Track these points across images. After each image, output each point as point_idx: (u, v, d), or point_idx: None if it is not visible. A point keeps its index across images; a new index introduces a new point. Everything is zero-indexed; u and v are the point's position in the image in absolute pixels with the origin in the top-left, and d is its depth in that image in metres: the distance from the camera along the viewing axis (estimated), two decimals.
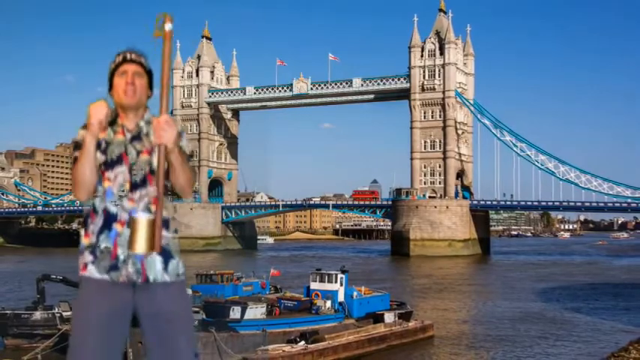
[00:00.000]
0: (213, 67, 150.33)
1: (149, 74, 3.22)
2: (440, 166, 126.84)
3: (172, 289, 3.15)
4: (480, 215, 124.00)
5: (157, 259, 3.09)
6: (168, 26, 2.97)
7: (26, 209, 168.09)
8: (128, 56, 3.15)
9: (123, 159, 3.11)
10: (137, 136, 3.15)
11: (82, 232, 3.17)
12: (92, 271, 3.09)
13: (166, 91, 3.03)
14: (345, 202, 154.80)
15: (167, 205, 3.10)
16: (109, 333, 3.08)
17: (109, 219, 3.08)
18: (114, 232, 3.07)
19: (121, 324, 3.13)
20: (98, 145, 3.09)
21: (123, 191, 3.09)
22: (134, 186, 3.10)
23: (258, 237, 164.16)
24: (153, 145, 3.09)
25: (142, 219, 2.93)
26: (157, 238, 2.92)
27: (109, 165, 3.10)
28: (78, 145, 3.07)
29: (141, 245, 2.90)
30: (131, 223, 2.96)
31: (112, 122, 3.14)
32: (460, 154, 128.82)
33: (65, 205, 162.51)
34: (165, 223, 3.10)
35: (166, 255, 3.13)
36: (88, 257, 3.10)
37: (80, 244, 3.15)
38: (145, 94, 3.18)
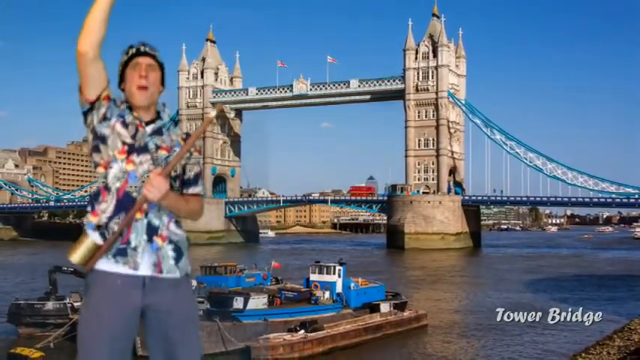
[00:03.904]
0: (217, 68, 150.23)
1: (161, 68, 3.01)
2: (433, 163, 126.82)
3: (181, 289, 2.98)
4: (472, 210, 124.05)
5: (170, 254, 2.93)
6: (212, 112, 3.00)
7: (39, 204, 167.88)
8: (142, 49, 2.95)
9: (146, 149, 2.92)
10: (158, 130, 2.97)
11: (89, 208, 2.90)
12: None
13: (183, 154, 2.91)
14: (343, 198, 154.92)
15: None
16: (119, 339, 2.88)
17: (128, 203, 2.85)
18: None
19: (131, 326, 2.93)
20: (126, 125, 2.90)
21: (143, 181, 2.86)
22: None
23: (260, 231, 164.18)
24: (172, 143, 2.96)
25: (90, 239, 2.84)
26: (92, 261, 2.83)
27: (135, 149, 2.89)
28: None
29: (76, 257, 2.82)
30: (82, 235, 2.84)
31: (129, 113, 2.95)
32: (452, 152, 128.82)
33: (76, 200, 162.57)
34: (178, 223, 3.00)
35: (179, 251, 2.97)
36: (97, 240, 2.85)
37: (87, 223, 2.88)
38: (157, 89, 2.98)
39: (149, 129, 2.95)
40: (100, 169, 2.91)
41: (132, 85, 2.93)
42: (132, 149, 2.89)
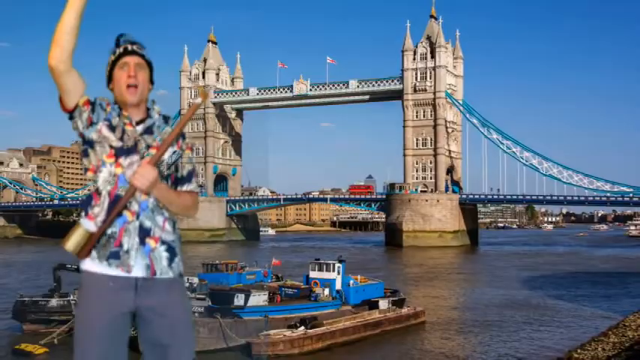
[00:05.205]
0: (219, 69, 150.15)
1: (149, 66, 2.94)
2: (431, 162, 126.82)
3: (174, 290, 2.92)
4: (469, 208, 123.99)
5: (163, 255, 2.88)
6: (198, 99, 3.02)
7: (43, 203, 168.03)
8: (129, 47, 2.88)
9: (136, 149, 2.87)
10: (149, 129, 2.91)
11: (83, 213, 2.87)
12: (93, 257, 2.82)
13: (171, 140, 2.84)
14: (342, 196, 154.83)
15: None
16: (112, 341, 2.84)
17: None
18: (123, 218, 2.81)
19: (124, 328, 2.88)
20: (112, 128, 2.85)
21: None
22: None
23: (261, 229, 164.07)
24: (164, 142, 2.86)
25: (83, 227, 2.80)
26: (86, 249, 2.79)
27: (123, 151, 2.83)
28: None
29: (70, 246, 2.78)
30: (75, 225, 2.82)
31: (118, 114, 2.90)
32: (450, 151, 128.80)
33: (80, 199, 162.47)
34: (172, 223, 2.94)
35: (172, 252, 2.91)
36: (90, 228, 2.82)
37: (82, 217, 2.87)
38: (146, 87, 2.92)
39: (140, 128, 2.90)
40: (90, 174, 2.89)
41: (121, 84, 2.88)
42: (120, 152, 2.84)
